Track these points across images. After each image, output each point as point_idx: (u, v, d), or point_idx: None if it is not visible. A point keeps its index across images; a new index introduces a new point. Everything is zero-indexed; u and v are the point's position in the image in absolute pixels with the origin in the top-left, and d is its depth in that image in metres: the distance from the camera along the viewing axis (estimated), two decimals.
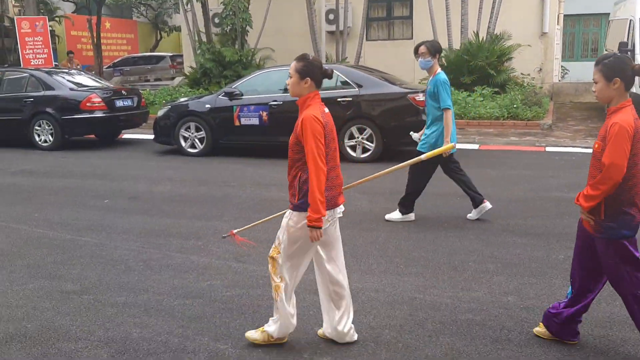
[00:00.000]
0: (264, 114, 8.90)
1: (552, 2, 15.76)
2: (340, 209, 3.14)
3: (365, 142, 8.50)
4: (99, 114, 10.02)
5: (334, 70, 9.34)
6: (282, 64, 16.21)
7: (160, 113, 9.73)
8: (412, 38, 17.42)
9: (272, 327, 3.21)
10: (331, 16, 16.82)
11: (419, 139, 5.60)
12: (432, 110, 5.37)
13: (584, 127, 11.74)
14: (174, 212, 6.02)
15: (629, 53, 10.83)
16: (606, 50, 14.96)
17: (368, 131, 8.47)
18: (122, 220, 5.76)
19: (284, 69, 9.31)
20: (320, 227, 2.89)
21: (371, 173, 3.70)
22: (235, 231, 3.64)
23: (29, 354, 3.20)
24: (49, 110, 10.03)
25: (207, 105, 9.26)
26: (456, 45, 14.33)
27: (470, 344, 3.20)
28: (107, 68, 25.36)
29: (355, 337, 3.26)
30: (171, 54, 26.18)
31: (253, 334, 3.26)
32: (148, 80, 23.29)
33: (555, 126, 11.73)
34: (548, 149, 9.45)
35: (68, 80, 10.58)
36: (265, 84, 9.23)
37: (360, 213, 5.84)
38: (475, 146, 9.84)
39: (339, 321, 3.20)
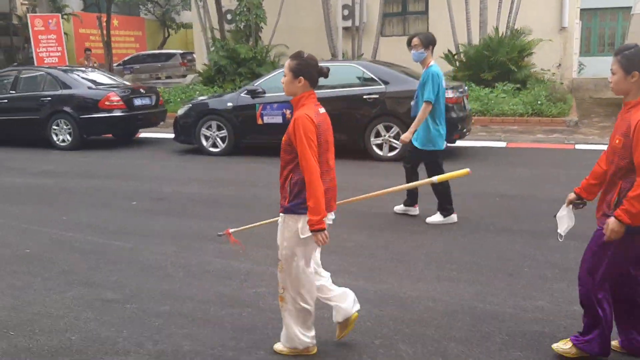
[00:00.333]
0: (288, 112, 8.70)
1: None
2: (331, 215, 3.03)
3: (392, 140, 8.30)
4: (117, 113, 9.84)
5: (360, 67, 9.12)
6: None
7: (181, 112, 9.56)
8: None
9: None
10: (346, 12, 16.60)
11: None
12: (421, 102, 5.27)
13: (610, 124, 11.48)
14: (205, 214, 5.84)
15: None
16: None
17: (395, 129, 8.25)
18: (152, 222, 5.59)
19: None
20: (324, 229, 2.79)
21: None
22: (231, 230, 3.52)
23: None
24: (66, 109, 9.87)
25: (229, 104, 9.08)
26: (474, 40, 14.11)
27: None
28: (117, 66, 25.24)
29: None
30: (181, 52, 26.00)
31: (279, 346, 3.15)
32: (159, 78, 23.15)
33: (581, 123, 11.49)
34: (577, 146, 9.22)
35: (85, 79, 10.41)
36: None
37: (398, 215, 5.64)
38: (502, 144, 9.62)
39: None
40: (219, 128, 9.17)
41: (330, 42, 15.40)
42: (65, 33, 26.51)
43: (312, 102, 2.88)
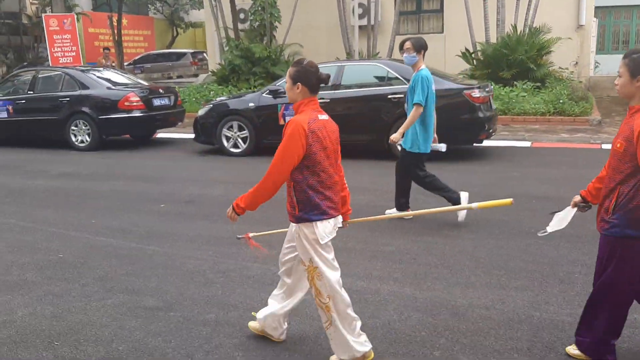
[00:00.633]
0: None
1: None
2: (341, 218, 3.02)
3: None
4: (137, 114, 9.76)
5: (384, 66, 8.98)
6: (312, 59, 15.95)
7: (201, 112, 9.47)
8: (442, 32, 17.06)
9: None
10: (360, 10, 16.47)
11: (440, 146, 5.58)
12: (411, 106, 5.29)
13: None
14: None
15: None
16: None
17: None
18: (183, 226, 5.49)
19: (329, 66, 9.03)
20: (238, 215, 2.94)
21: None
22: (251, 235, 3.45)
23: None
24: (85, 109, 9.80)
25: (251, 104, 8.98)
26: (491, 39, 13.94)
27: None
28: (127, 65, 25.17)
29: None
30: (192, 51, 25.89)
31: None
32: (171, 78, 23.07)
33: (603, 122, 11.32)
34: (604, 146, 9.06)
35: (104, 79, 10.33)
36: None
37: (436, 219, 5.51)
38: (527, 144, 9.47)
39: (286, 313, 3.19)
40: (240, 128, 9.07)
41: (345, 41, 15.27)
42: None
43: (312, 109, 2.88)
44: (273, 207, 5.71)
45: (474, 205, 3.62)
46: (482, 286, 3.93)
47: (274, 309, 3.20)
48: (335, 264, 2.99)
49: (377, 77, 8.57)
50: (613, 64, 18.47)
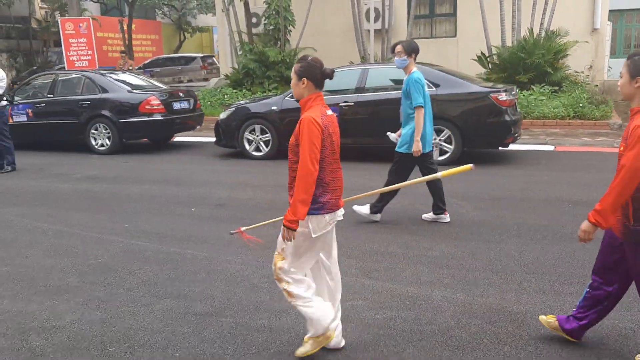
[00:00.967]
0: (335, 114, 8.53)
1: None
2: (341, 211, 3.07)
3: (443, 143, 8.11)
4: (157, 117, 9.72)
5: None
6: (325, 63, 15.93)
7: (223, 116, 9.43)
8: (455, 36, 17.02)
9: (310, 331, 3.06)
10: (373, 14, 16.45)
11: (397, 139, 5.52)
12: (406, 109, 5.38)
13: None
14: None
15: None
16: None
17: (446, 132, 8.07)
18: (219, 230, 5.43)
19: (353, 69, 9.00)
20: (294, 230, 2.84)
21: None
22: (243, 229, 3.47)
23: None
24: (105, 113, 9.75)
25: (274, 107, 8.94)
26: (506, 42, 13.88)
27: None
28: (137, 69, 25.19)
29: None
30: (202, 55, 25.91)
31: (302, 349, 3.08)
32: (181, 82, 23.05)
33: (623, 125, 11.25)
34: None
35: (124, 82, 10.29)
36: (335, 84, 8.85)
37: (472, 222, 5.44)
38: (550, 148, 9.41)
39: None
40: (263, 132, 9.03)
41: (360, 45, 15.24)
42: None
43: (319, 104, 2.94)
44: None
45: (439, 174, 3.73)
46: (535, 292, 3.86)
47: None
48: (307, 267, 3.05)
49: (400, 80, 8.48)
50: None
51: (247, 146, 9.12)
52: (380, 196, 5.48)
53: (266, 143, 9.01)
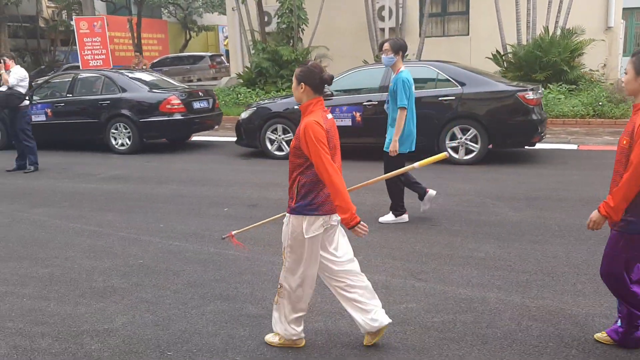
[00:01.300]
0: (357, 114, 8.49)
1: None
2: (337, 217, 3.06)
3: (469, 143, 8.05)
4: (178, 117, 9.67)
5: (434, 68, 8.85)
6: (337, 62, 15.87)
7: (244, 115, 9.39)
8: (468, 34, 16.97)
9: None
10: (384, 13, 16.40)
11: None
12: (393, 108, 5.31)
13: None
14: None
15: None
16: None
17: (472, 131, 8.00)
18: (257, 230, 5.34)
19: (376, 68, 8.93)
20: (358, 223, 2.92)
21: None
22: (234, 232, 3.58)
23: None
24: (125, 112, 9.71)
25: (296, 107, 8.88)
26: (521, 40, 13.81)
27: None
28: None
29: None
30: (210, 54, 25.85)
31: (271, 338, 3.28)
32: (191, 81, 22.98)
33: None
34: None
35: (143, 82, 10.25)
36: (358, 83, 8.82)
37: (511, 223, 5.38)
38: (573, 146, 9.35)
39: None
40: (285, 131, 8.98)
41: (374, 43, 15.17)
42: None
43: (320, 109, 2.99)
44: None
45: (416, 164, 3.65)
46: (591, 294, 3.80)
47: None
48: (310, 273, 3.10)
49: (426, 79, 8.46)
50: None
51: (269, 146, 9.08)
52: (390, 196, 5.50)
53: (288, 142, 8.96)
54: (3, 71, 8.26)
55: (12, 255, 4.94)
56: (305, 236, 2.98)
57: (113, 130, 9.83)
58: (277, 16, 15.97)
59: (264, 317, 3.61)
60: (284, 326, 3.18)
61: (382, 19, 16.47)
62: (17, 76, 8.30)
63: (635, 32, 21.53)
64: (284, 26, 15.76)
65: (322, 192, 2.97)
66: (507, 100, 7.96)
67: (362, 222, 2.92)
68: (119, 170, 8.58)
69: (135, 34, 23.60)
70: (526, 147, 8.37)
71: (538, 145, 9.08)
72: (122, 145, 9.84)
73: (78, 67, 19.48)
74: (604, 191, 6.22)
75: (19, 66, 8.59)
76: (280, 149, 9.05)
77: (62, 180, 7.98)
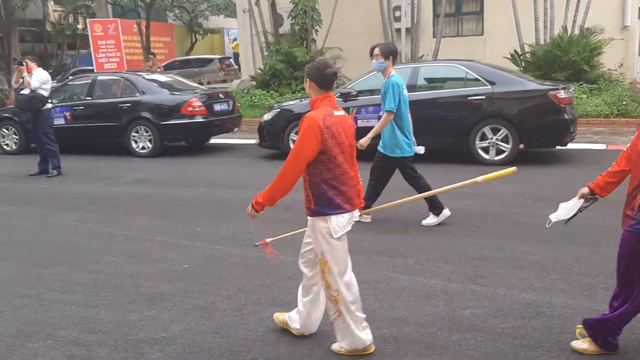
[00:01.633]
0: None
1: None
2: (357, 212, 3.11)
3: (500, 143, 7.92)
4: (199, 119, 9.56)
5: (463, 67, 8.70)
6: (350, 63, 15.77)
7: (267, 117, 9.28)
8: (482, 34, 16.84)
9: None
10: (397, 13, 16.29)
11: (418, 149, 5.48)
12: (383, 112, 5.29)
13: None
14: None
15: None
16: None
17: (503, 131, 7.88)
18: (299, 236, 5.24)
19: (402, 67, 8.81)
20: (254, 206, 3.02)
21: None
22: (268, 240, 3.54)
23: None
24: (146, 115, 9.59)
25: None
26: (539, 40, 13.70)
27: None
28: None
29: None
30: (219, 57, 25.77)
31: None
32: (201, 83, 22.88)
33: None
34: None
35: (162, 84, 10.14)
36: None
37: (559, 225, 5.23)
38: (602, 146, 9.22)
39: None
40: None
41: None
42: None
43: (327, 104, 2.97)
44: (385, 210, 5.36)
45: (479, 179, 3.37)
46: None
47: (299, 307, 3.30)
48: (349, 270, 3.10)
49: (455, 79, 8.34)
50: None
51: None
52: (424, 199, 5.29)
53: None
54: (25, 74, 8.16)
55: (51, 261, 4.82)
56: (334, 236, 2.94)
57: (134, 134, 9.72)
58: (290, 17, 15.86)
59: (325, 324, 3.48)
60: (352, 338, 3.06)
61: (396, 19, 16.36)
62: (40, 79, 8.21)
63: None
64: (297, 27, 15.65)
65: (338, 188, 2.93)
66: (538, 99, 7.84)
67: (257, 211, 3.04)
68: (142, 173, 8.46)
69: (144, 37, 23.47)
70: (557, 147, 8.24)
71: (567, 145, 8.98)
72: (143, 148, 9.73)
73: (87, 70, 19.40)
74: None
75: (41, 69, 8.50)
76: None
77: (86, 184, 7.87)
